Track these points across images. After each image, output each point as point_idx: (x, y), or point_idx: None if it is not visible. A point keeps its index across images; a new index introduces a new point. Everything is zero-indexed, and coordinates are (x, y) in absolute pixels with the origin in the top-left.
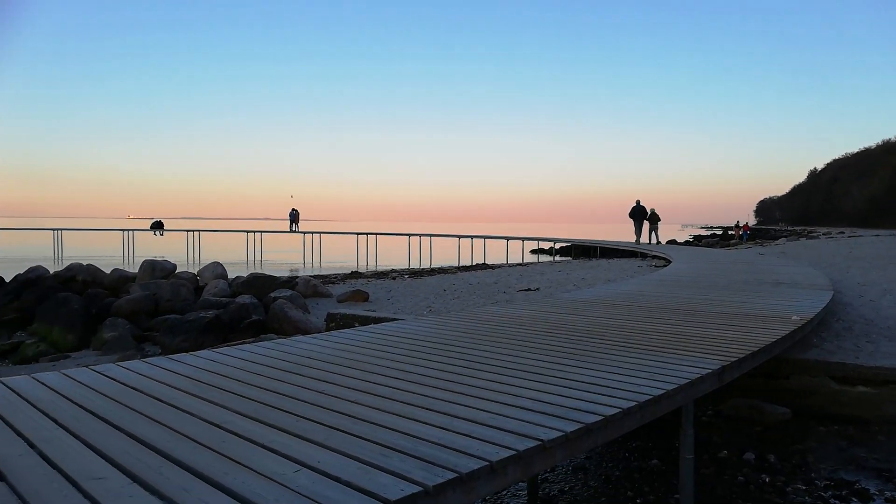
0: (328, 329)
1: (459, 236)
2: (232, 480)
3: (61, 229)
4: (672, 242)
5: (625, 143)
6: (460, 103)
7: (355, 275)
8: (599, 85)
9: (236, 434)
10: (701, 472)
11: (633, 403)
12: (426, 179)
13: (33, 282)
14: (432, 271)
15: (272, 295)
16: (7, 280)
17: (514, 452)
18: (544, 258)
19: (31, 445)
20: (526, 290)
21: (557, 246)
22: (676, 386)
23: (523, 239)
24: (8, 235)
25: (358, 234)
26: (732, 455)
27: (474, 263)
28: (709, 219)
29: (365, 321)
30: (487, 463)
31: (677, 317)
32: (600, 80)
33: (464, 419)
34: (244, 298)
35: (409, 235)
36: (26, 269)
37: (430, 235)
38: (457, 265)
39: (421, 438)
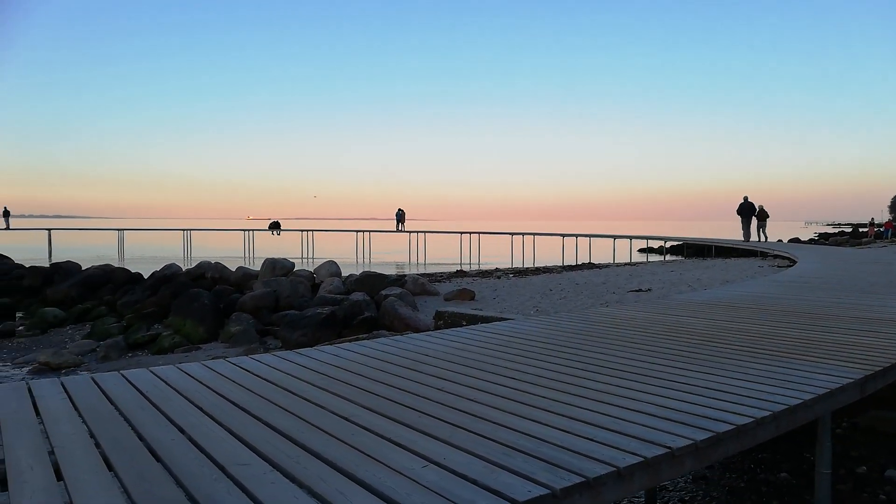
0: (436, 326)
1: (563, 235)
2: (364, 473)
3: (190, 230)
4: (795, 241)
5: (730, 137)
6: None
7: (460, 273)
8: (700, 77)
9: (364, 428)
10: (837, 487)
11: (767, 413)
12: (509, 179)
13: (168, 278)
14: (536, 270)
15: (383, 293)
16: (145, 277)
17: (641, 459)
18: (654, 257)
19: (182, 431)
20: (637, 291)
21: (668, 245)
22: (813, 396)
23: (631, 237)
24: (143, 235)
25: (461, 233)
26: (872, 471)
27: (579, 263)
28: (834, 215)
29: (473, 320)
30: (614, 469)
31: (807, 321)
32: (701, 71)
33: (585, 422)
34: (357, 296)
35: (512, 234)
36: (162, 266)
37: (533, 234)
38: (561, 264)
39: (543, 440)
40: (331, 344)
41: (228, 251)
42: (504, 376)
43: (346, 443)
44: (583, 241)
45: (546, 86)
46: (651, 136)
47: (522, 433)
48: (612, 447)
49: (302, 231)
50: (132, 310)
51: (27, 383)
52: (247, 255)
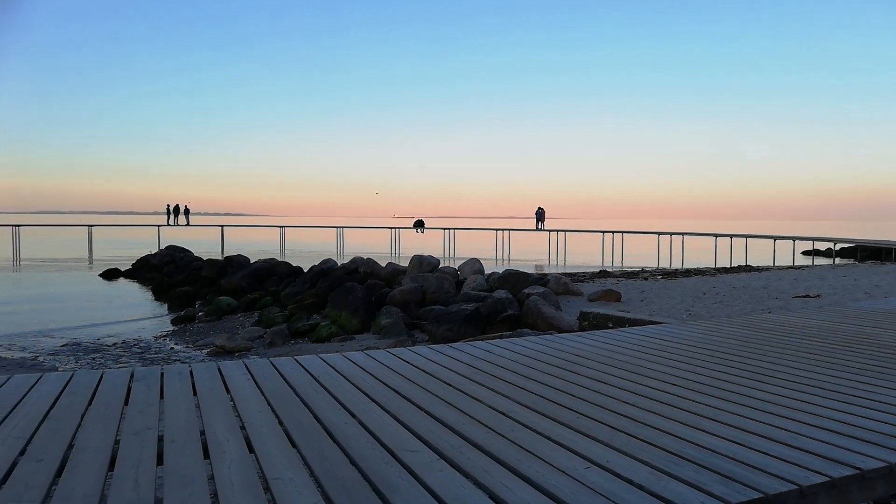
0: (581, 327)
1: (717, 235)
2: (527, 468)
3: (342, 227)
4: None
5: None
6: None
7: (604, 273)
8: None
9: (523, 424)
10: None
11: None
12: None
13: (325, 272)
14: (687, 272)
15: (526, 291)
16: (305, 270)
17: (826, 479)
18: (820, 260)
19: (353, 415)
20: (804, 297)
21: (837, 247)
22: None
23: (794, 238)
24: (302, 232)
25: (604, 231)
26: None
27: (735, 265)
28: None
29: (620, 322)
30: (796, 487)
31: None
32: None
33: (758, 435)
34: (500, 293)
35: (659, 234)
36: (320, 261)
37: (682, 234)
38: (714, 266)
39: (712, 450)
40: (477, 340)
41: (377, 247)
42: (663, 381)
43: (505, 437)
44: (738, 242)
45: (666, 77)
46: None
47: (689, 441)
48: (792, 463)
49: (444, 229)
50: (294, 300)
51: (217, 364)
52: (393, 251)
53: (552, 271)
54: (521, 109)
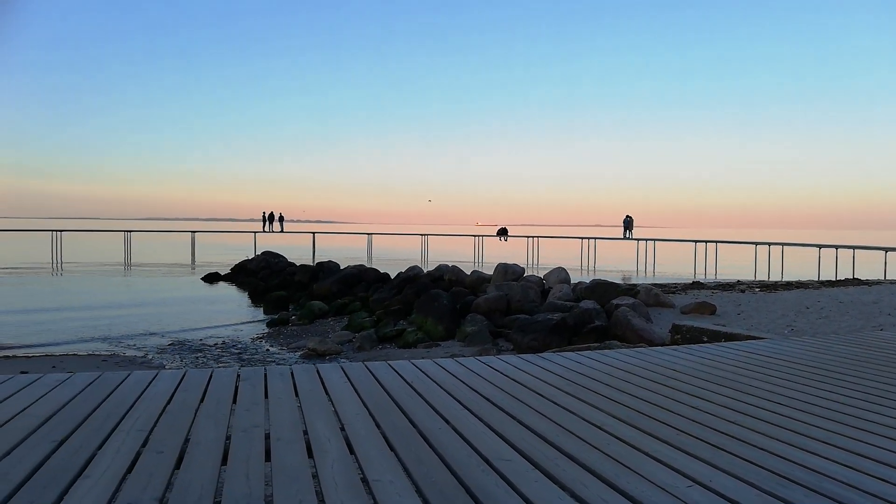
0: (673, 341)
1: (820, 245)
2: (625, 483)
3: (426, 234)
4: None
5: None
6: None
7: (696, 285)
8: None
9: (618, 438)
10: None
11: None
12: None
13: (411, 279)
14: (788, 285)
15: (614, 302)
16: (392, 277)
17: None
18: None
19: (446, 421)
20: None
21: None
22: None
23: None
24: (388, 239)
25: (696, 241)
26: None
27: (841, 278)
28: None
29: (715, 336)
30: None
31: None
32: None
33: (875, 461)
34: (587, 304)
35: (756, 244)
36: (406, 268)
37: (782, 244)
38: (817, 279)
39: (824, 474)
40: (565, 351)
41: (461, 255)
42: (767, 400)
43: (601, 451)
44: (844, 254)
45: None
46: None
47: (798, 464)
48: None
49: (528, 237)
50: (381, 306)
51: (315, 366)
52: (477, 259)
53: (641, 282)
54: (606, 115)
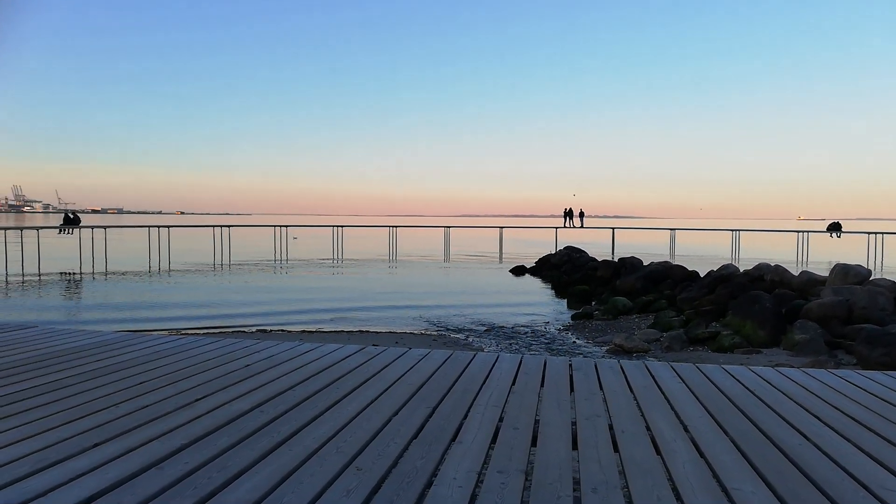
0: None
1: None
2: None
3: (738, 230)
4: None
5: None
6: None
7: None
8: None
9: None
10: None
11: None
12: None
13: (725, 278)
14: None
15: None
16: (701, 275)
17: None
18: None
19: (805, 436)
20: None
21: None
22: None
23: None
24: (691, 235)
25: None
26: None
27: None
28: None
29: None
30: None
31: None
32: None
33: None
34: None
35: None
36: (718, 266)
37: None
38: None
39: None
40: None
41: (779, 253)
42: None
43: None
44: None
45: None
46: None
47: None
48: None
49: (868, 234)
50: (690, 305)
51: (644, 363)
52: (800, 258)
53: None
54: None
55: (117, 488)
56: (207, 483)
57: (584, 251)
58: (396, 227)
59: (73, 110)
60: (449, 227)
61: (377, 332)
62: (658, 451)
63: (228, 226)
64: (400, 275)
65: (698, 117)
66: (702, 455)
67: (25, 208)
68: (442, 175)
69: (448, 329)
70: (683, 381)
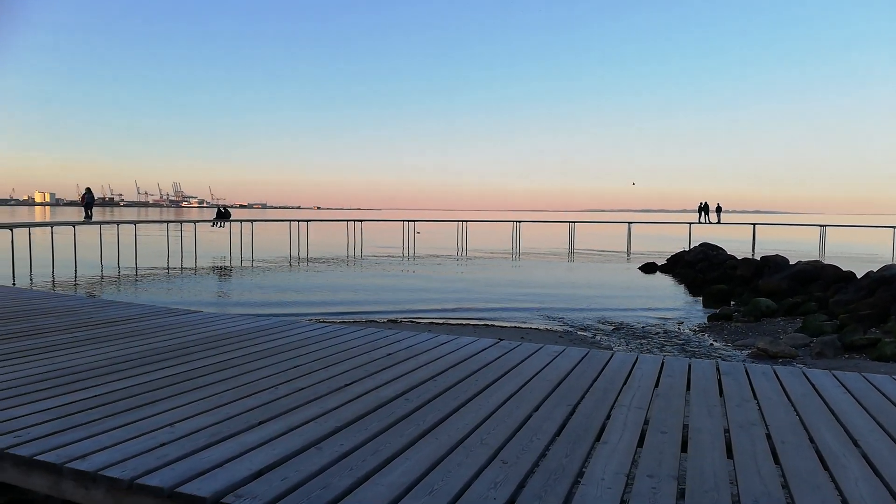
0: None
1: None
2: None
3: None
4: None
5: None
6: None
7: None
8: None
9: None
10: None
11: None
12: None
13: (888, 280)
14: None
15: None
16: (858, 276)
17: None
18: None
19: None
20: None
21: None
22: None
23: None
24: (845, 233)
25: None
26: None
27: None
28: None
29: None
30: None
31: None
32: None
33: None
34: None
35: None
36: (879, 267)
37: None
38: None
39: None
40: None
41: None
42: None
43: None
44: None
45: None
46: None
47: None
48: None
49: None
50: (845, 309)
51: (801, 370)
52: None
53: None
54: None
55: (283, 464)
56: (363, 465)
57: (721, 248)
58: (520, 222)
59: (225, 114)
60: (573, 222)
61: (502, 327)
62: (825, 466)
63: (360, 220)
64: (523, 270)
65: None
66: (877, 473)
67: (183, 203)
68: (565, 169)
69: (573, 326)
70: (849, 391)
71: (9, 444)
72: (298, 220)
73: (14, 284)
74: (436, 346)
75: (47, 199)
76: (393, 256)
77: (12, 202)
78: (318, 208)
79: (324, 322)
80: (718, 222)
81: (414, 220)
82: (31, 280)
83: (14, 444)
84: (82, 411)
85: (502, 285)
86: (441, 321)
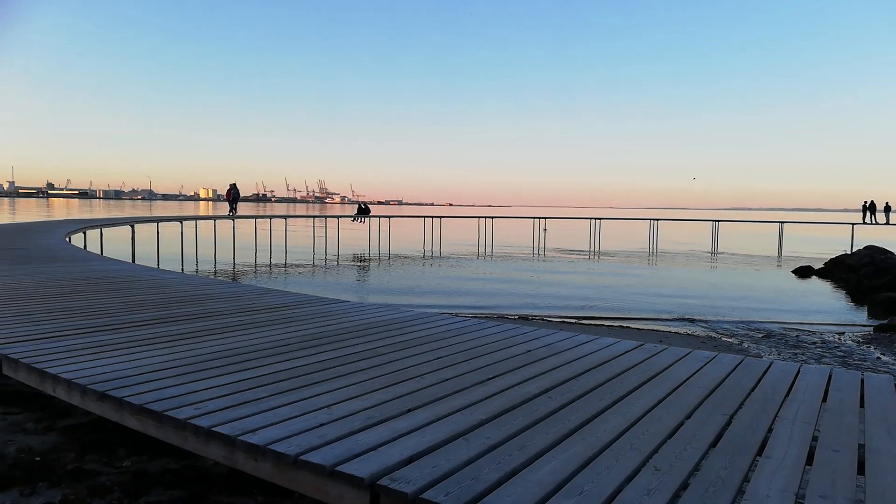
0: None
1: None
2: None
3: None
4: None
5: None
6: None
7: None
8: None
9: None
10: None
11: None
12: None
13: None
14: None
15: None
16: None
17: None
18: None
19: None
20: None
21: None
22: None
23: None
24: None
25: None
26: None
27: None
28: None
29: None
30: None
31: None
32: None
33: None
34: None
35: None
36: None
37: None
38: None
39: None
40: None
41: None
42: None
43: None
44: None
45: None
46: None
47: None
48: None
49: None
50: None
51: None
52: None
53: None
54: None
55: (433, 452)
56: (509, 460)
57: (890, 252)
58: (658, 220)
59: (367, 116)
60: (717, 220)
61: (638, 329)
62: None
63: (491, 217)
64: (661, 269)
65: None
66: None
67: (327, 199)
68: (710, 166)
69: (717, 332)
70: None
71: (190, 416)
72: (432, 217)
73: (182, 271)
74: (576, 345)
75: (210, 195)
76: (524, 253)
77: (181, 197)
78: (451, 205)
79: (461, 316)
80: (887, 223)
81: (543, 218)
82: (196, 268)
83: (195, 416)
84: (251, 388)
85: (637, 284)
86: (573, 320)
